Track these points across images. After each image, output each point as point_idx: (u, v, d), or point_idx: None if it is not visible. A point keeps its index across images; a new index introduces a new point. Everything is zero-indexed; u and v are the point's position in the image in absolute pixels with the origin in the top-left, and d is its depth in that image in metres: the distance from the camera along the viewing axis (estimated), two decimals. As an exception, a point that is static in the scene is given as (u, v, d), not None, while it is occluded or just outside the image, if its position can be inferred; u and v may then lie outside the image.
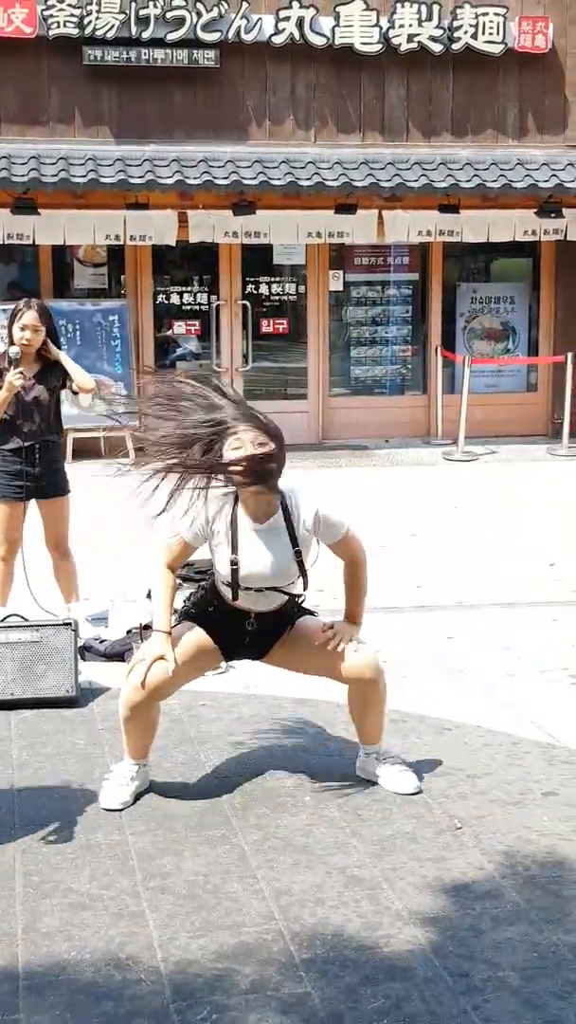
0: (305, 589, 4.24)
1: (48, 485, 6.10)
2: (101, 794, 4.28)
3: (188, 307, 12.46)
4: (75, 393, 6.14)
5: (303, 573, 4.15)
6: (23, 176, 10.79)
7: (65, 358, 6.13)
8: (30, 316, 5.92)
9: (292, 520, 4.09)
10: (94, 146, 11.58)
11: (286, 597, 4.21)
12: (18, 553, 6.14)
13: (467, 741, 4.87)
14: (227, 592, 4.16)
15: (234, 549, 4.06)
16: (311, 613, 4.39)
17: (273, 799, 4.31)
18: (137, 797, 4.29)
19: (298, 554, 4.10)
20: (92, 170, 10.99)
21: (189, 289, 12.43)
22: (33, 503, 6.16)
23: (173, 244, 11.66)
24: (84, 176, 10.89)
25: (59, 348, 6.15)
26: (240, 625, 4.22)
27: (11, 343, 5.94)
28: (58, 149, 11.44)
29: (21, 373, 5.81)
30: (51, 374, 6.08)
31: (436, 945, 3.37)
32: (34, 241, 11.31)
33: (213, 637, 4.24)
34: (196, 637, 4.23)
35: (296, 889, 3.69)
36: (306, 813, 4.21)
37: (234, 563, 4.06)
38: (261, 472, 3.87)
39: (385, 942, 3.39)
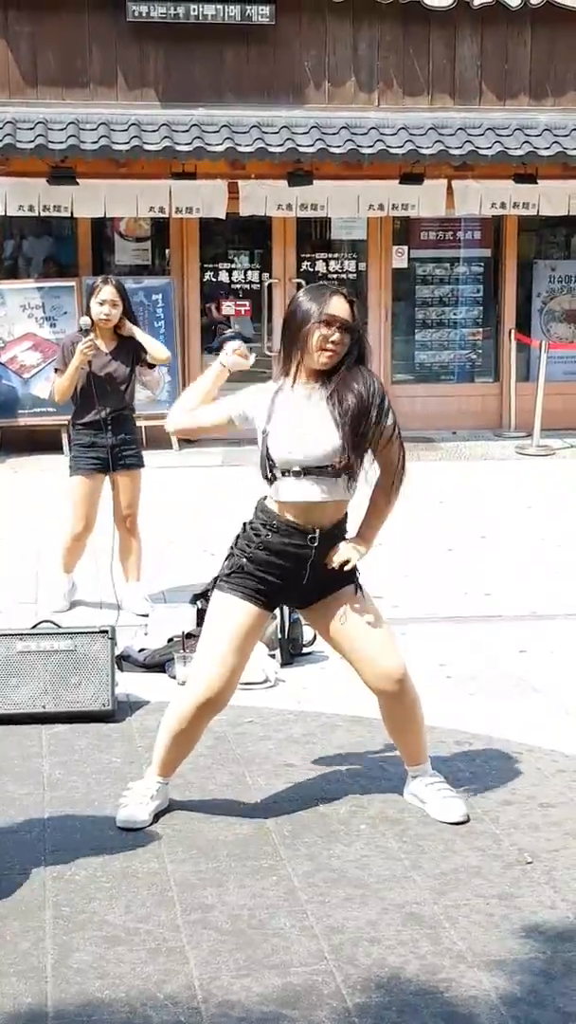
0: (353, 479, 4.21)
1: (121, 457, 6.71)
2: (118, 812, 4.33)
3: (238, 285, 12.48)
4: (150, 367, 6.79)
5: (353, 455, 4.15)
6: (61, 143, 10.86)
7: (140, 332, 6.70)
8: (108, 291, 6.53)
9: (346, 387, 4.18)
10: (138, 110, 11.62)
11: (335, 495, 4.18)
12: (91, 533, 6.81)
13: (540, 766, 4.84)
14: (268, 490, 4.20)
15: (269, 419, 4.18)
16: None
17: (325, 827, 4.31)
18: (156, 817, 4.34)
19: (344, 421, 4.14)
20: (135, 136, 11.04)
21: (239, 266, 12.46)
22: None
23: (222, 217, 11.69)
24: (126, 143, 10.94)
25: (136, 325, 6.71)
26: (302, 548, 4.18)
27: (89, 318, 6.55)
28: (99, 114, 11.50)
29: (91, 342, 6.42)
30: (127, 350, 6.66)
31: (503, 991, 3.36)
32: (72, 213, 11.37)
33: (261, 586, 4.22)
34: (237, 616, 4.21)
35: (349, 926, 3.69)
36: (361, 843, 4.21)
37: (265, 432, 4.17)
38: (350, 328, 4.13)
39: (446, 987, 3.38)
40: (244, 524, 4.32)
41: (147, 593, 6.86)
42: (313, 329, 4.12)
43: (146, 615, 6.53)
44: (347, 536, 4.29)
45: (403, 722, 4.40)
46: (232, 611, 4.23)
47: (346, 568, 4.21)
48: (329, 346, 4.12)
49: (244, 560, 4.24)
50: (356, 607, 4.27)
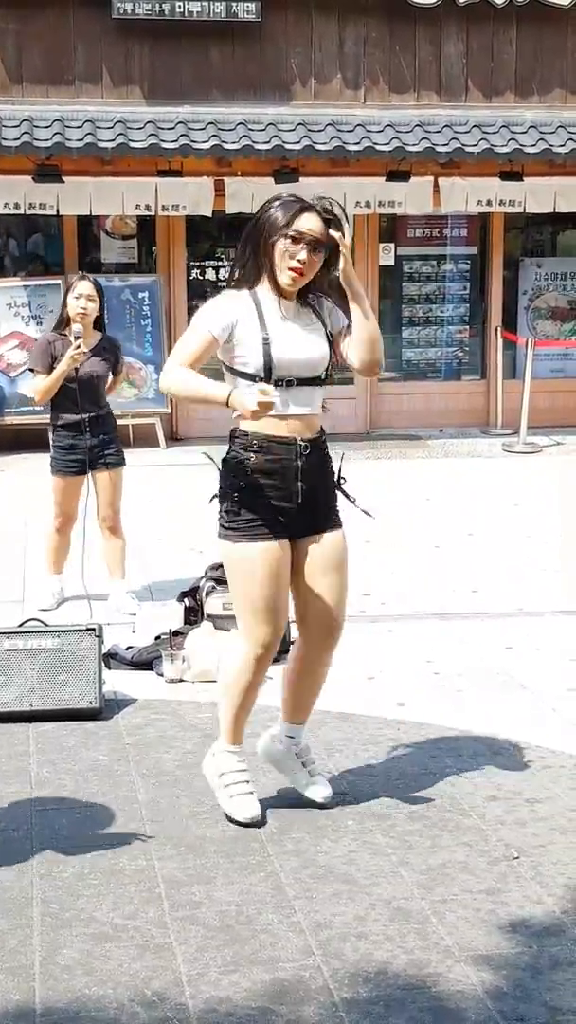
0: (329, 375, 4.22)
1: (101, 456, 6.74)
2: (233, 807, 4.29)
3: (225, 283, 12.44)
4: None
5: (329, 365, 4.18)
6: (46, 140, 10.85)
7: None
8: (85, 286, 6.64)
9: (318, 304, 4.19)
10: (123, 108, 11.62)
11: (318, 405, 4.18)
12: (73, 526, 6.80)
13: (526, 762, 4.86)
14: (256, 397, 3.91)
15: (263, 328, 4.07)
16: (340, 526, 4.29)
17: (313, 823, 4.32)
18: None
19: (329, 332, 4.16)
20: (121, 134, 11.04)
21: (226, 264, 12.44)
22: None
23: (209, 215, 11.69)
24: (112, 140, 10.94)
25: (103, 328, 6.89)
26: (291, 460, 4.11)
27: (65, 314, 6.68)
28: (84, 111, 11.49)
29: (82, 350, 6.49)
30: (105, 348, 6.79)
31: (489, 986, 3.37)
32: (58, 211, 11.36)
33: (266, 516, 4.13)
34: (259, 562, 4.12)
35: (337, 922, 3.70)
36: (348, 839, 4.22)
37: (266, 340, 4.05)
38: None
39: (434, 981, 3.40)
40: (224, 460, 4.22)
41: (132, 591, 6.86)
42: (279, 242, 4.01)
43: (134, 613, 6.53)
44: (329, 456, 4.25)
45: (312, 674, 4.38)
46: (251, 559, 4.13)
47: (333, 235, 4.00)
48: (295, 263, 3.99)
49: (238, 495, 4.13)
50: (331, 553, 4.23)
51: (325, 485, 4.24)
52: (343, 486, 4.31)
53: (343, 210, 4.15)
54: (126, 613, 6.59)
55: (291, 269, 4.01)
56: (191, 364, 4.11)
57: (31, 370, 6.86)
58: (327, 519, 4.25)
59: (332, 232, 4.01)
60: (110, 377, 6.87)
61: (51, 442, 6.87)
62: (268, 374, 4.05)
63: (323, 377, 4.16)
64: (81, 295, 6.60)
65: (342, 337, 4.19)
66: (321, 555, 4.23)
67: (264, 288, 4.13)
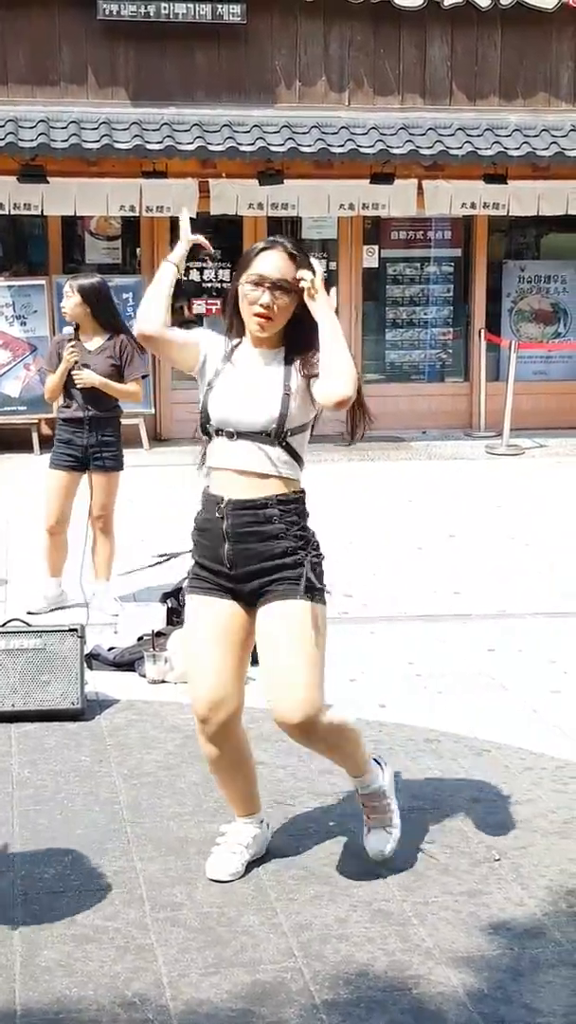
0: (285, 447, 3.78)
1: (99, 458, 6.72)
2: (208, 861, 3.99)
3: (209, 284, 12.47)
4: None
5: (282, 423, 3.72)
6: (31, 141, 10.83)
7: (99, 379, 6.63)
8: (68, 287, 6.74)
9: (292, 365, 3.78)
10: (108, 109, 11.61)
11: (266, 465, 3.74)
12: (66, 528, 6.83)
13: (508, 764, 4.85)
14: (203, 444, 3.79)
15: (216, 374, 3.78)
16: (311, 588, 3.74)
17: (294, 825, 4.32)
18: (247, 868, 4.01)
19: (286, 395, 3.73)
20: (106, 135, 11.02)
21: (210, 265, 12.44)
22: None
23: (193, 216, 11.58)
24: (97, 141, 10.93)
25: (118, 326, 6.81)
26: (214, 520, 3.76)
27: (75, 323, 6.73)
28: (69, 112, 11.47)
29: (75, 348, 6.56)
30: (112, 348, 6.71)
31: (470, 988, 3.37)
32: (42, 212, 11.34)
33: (211, 575, 3.82)
34: (204, 615, 3.82)
35: (318, 924, 3.69)
36: (330, 840, 4.22)
37: (209, 385, 3.77)
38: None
39: (414, 983, 3.39)
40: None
41: (117, 594, 6.86)
42: (240, 288, 3.72)
43: (116, 614, 6.52)
44: (273, 522, 3.74)
45: (326, 752, 4.01)
46: (192, 611, 3.90)
47: (301, 284, 3.67)
48: (258, 308, 3.68)
49: (193, 548, 3.90)
50: (279, 626, 3.73)
51: (262, 554, 3.74)
52: (311, 567, 3.76)
53: (308, 255, 3.84)
54: (109, 614, 6.57)
55: (255, 315, 3.71)
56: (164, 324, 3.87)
57: (40, 371, 6.97)
58: (274, 590, 3.75)
59: (299, 273, 3.70)
60: (115, 375, 6.70)
61: (54, 435, 6.95)
62: (205, 420, 3.79)
63: (270, 435, 3.72)
64: (65, 295, 6.72)
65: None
66: (266, 630, 3.76)
67: (247, 337, 3.83)
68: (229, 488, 3.77)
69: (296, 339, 3.79)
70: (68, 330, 6.72)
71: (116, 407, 6.82)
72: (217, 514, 3.77)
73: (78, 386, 6.61)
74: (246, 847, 4.01)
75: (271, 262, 3.70)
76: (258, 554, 3.75)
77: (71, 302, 6.65)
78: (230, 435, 3.74)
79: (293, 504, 3.80)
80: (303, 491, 3.86)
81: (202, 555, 3.85)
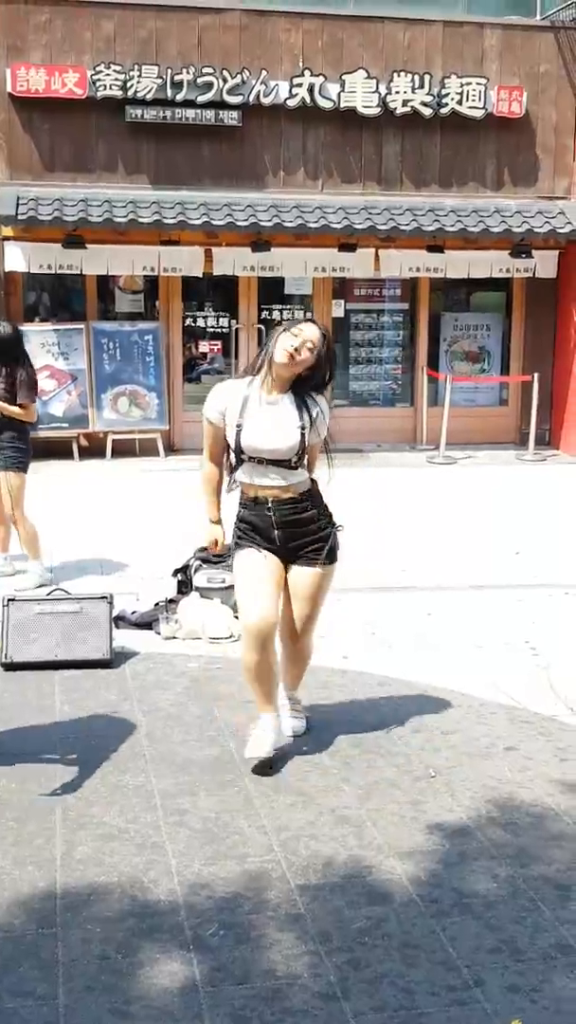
0: (308, 470, 4.18)
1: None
2: (247, 747, 4.14)
3: (212, 329, 12.42)
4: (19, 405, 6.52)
5: (303, 451, 4.06)
6: (73, 216, 10.77)
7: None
8: None
9: (307, 404, 4.06)
10: (134, 191, 11.53)
11: (293, 480, 4.09)
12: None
13: (442, 703, 4.86)
14: (236, 471, 4.09)
15: (241, 415, 4.02)
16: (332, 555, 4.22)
17: (276, 750, 4.30)
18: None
19: (302, 427, 4.02)
20: (132, 212, 10.95)
21: (212, 314, 12.40)
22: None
23: (200, 275, 11.63)
24: (125, 217, 10.86)
25: (24, 368, 6.47)
26: (267, 517, 4.10)
27: None
28: (104, 193, 11.39)
29: None
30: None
31: (411, 875, 3.38)
32: (82, 271, 11.30)
33: (258, 542, 4.14)
34: (253, 558, 4.10)
35: (293, 826, 3.69)
36: (303, 761, 4.22)
37: (239, 427, 4.01)
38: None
39: (368, 872, 3.40)
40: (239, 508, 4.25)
41: (125, 566, 6.68)
42: (282, 334, 3.97)
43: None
44: (308, 510, 4.13)
45: (292, 663, 4.38)
46: (246, 557, 4.12)
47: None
48: (289, 348, 3.92)
49: (239, 530, 4.18)
50: (303, 584, 4.17)
51: (304, 531, 4.14)
52: (336, 531, 4.24)
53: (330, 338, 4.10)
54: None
55: (285, 350, 3.94)
56: (212, 450, 4.19)
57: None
58: (305, 557, 4.16)
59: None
60: (10, 384, 6.45)
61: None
62: (239, 454, 4.05)
63: (292, 462, 4.06)
64: None
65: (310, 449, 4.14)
66: (294, 585, 4.18)
67: (260, 377, 4.04)
68: (271, 494, 4.10)
69: (301, 385, 4.07)
70: None
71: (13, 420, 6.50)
72: (267, 511, 4.10)
73: None
74: (274, 730, 4.16)
75: (310, 329, 4.00)
76: (301, 532, 4.15)
77: None
78: (260, 461, 4.04)
79: (313, 493, 4.21)
80: (315, 480, 4.23)
81: (254, 531, 4.14)
